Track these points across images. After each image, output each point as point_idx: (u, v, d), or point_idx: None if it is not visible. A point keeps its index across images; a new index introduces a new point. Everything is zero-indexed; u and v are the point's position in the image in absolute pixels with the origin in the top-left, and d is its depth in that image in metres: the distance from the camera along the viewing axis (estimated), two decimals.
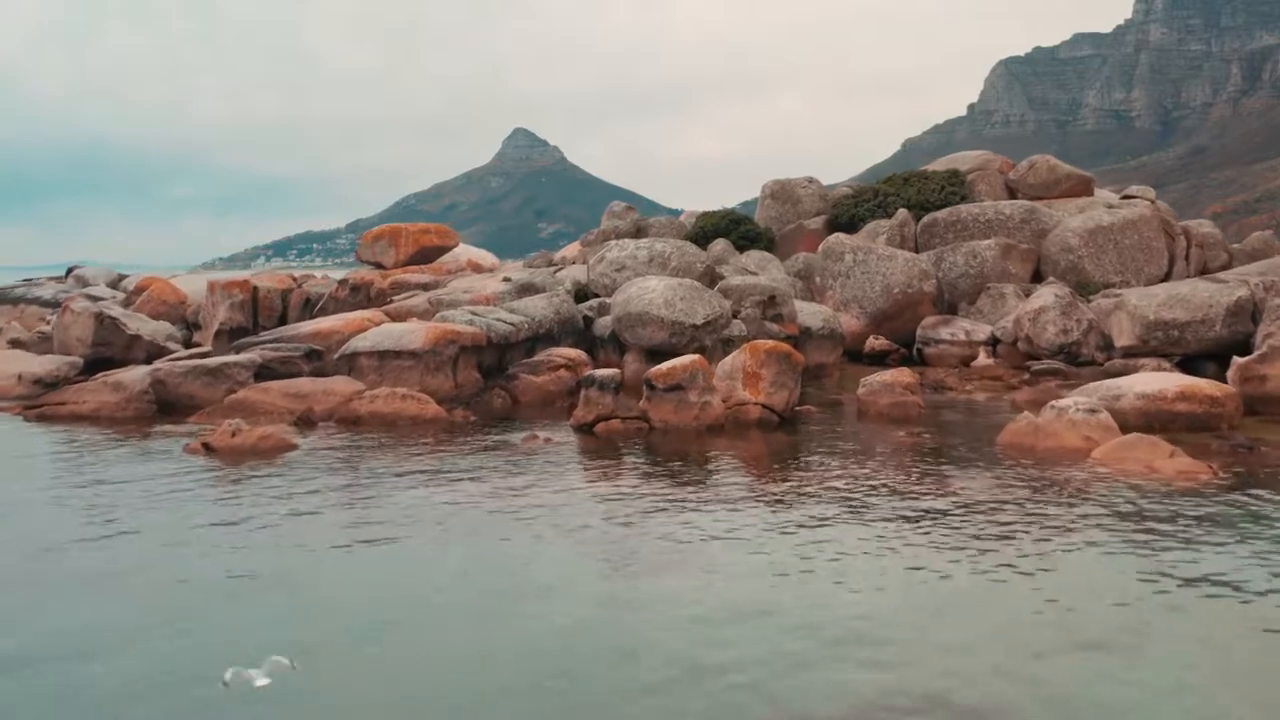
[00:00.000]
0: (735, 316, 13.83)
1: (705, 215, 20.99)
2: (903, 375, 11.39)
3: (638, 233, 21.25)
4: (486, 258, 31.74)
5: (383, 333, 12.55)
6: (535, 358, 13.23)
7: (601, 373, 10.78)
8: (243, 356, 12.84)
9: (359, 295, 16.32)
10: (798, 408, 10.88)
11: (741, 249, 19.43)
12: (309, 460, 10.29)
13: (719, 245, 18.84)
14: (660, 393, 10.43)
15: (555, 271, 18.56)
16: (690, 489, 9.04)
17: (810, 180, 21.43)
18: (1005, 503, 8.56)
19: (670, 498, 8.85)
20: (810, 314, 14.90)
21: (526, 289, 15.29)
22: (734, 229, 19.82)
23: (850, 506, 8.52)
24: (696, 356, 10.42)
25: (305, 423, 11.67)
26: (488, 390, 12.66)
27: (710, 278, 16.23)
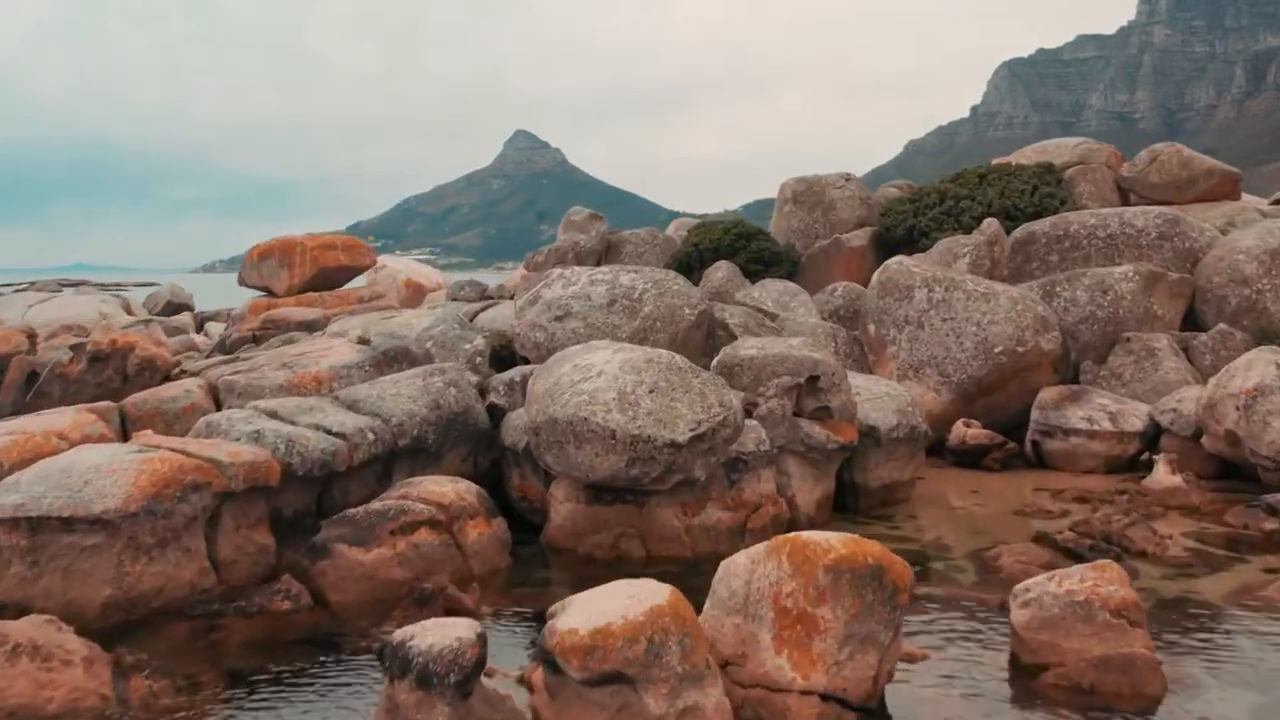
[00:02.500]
0: (750, 414, 7.81)
1: (701, 228, 14.79)
2: (1105, 577, 5.36)
3: (607, 251, 15.21)
4: (429, 276, 25.58)
5: (46, 474, 5.97)
6: (383, 498, 7.26)
7: (430, 640, 4.08)
8: None
9: (105, 370, 9.01)
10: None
11: (753, 275, 13.36)
12: None
13: (720, 273, 12.75)
14: (577, 688, 4.17)
15: (481, 311, 12.49)
16: None
17: (847, 178, 15.36)
18: None
19: None
20: (875, 400, 8.82)
21: (393, 358, 8.96)
22: (742, 247, 13.70)
23: None
24: (664, 595, 4.35)
25: None
26: (277, 575, 6.74)
27: (707, 330, 10.19)
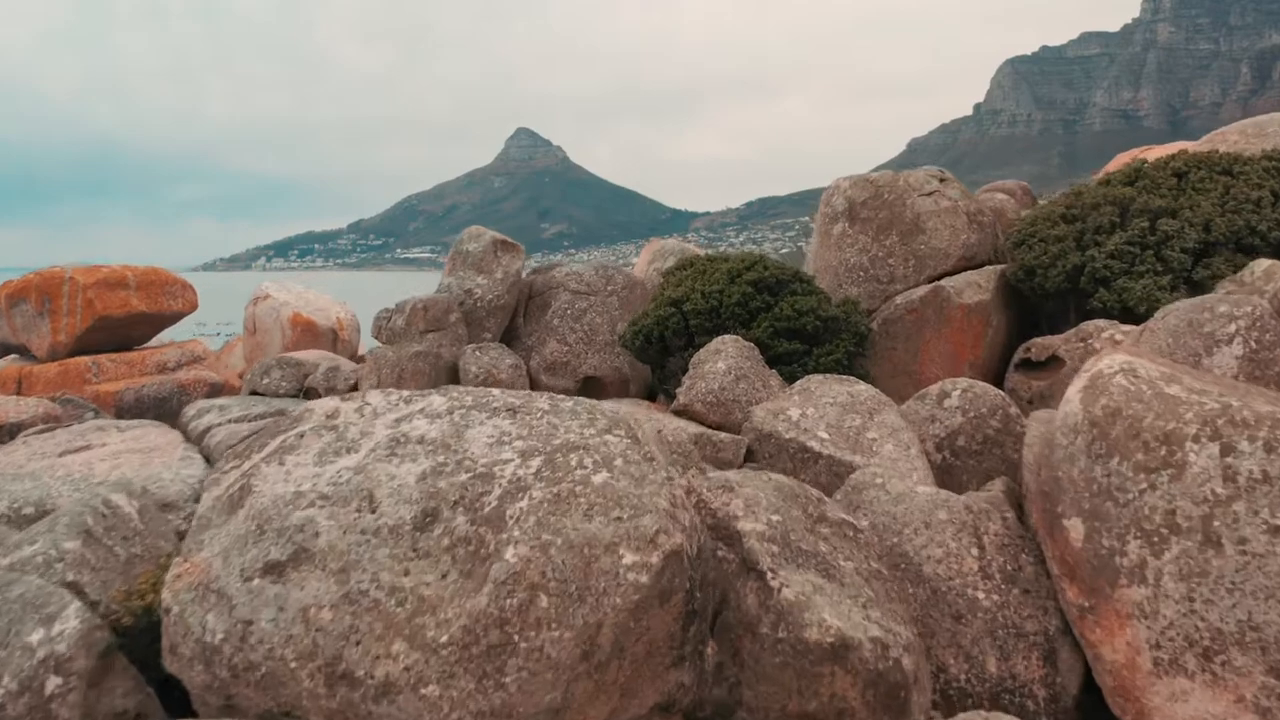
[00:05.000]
0: None
1: (689, 270, 8.11)
2: None
3: (528, 305, 8.78)
4: (327, 311, 18.88)
5: None
6: None
7: None
8: None
9: None
10: None
11: (785, 360, 6.92)
12: None
13: (723, 364, 6.31)
14: None
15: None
16: None
17: (941, 177, 8.87)
18: None
19: None
20: None
21: None
22: (764, 307, 7.26)
23: None
24: None
25: None
26: None
27: (685, 606, 3.73)
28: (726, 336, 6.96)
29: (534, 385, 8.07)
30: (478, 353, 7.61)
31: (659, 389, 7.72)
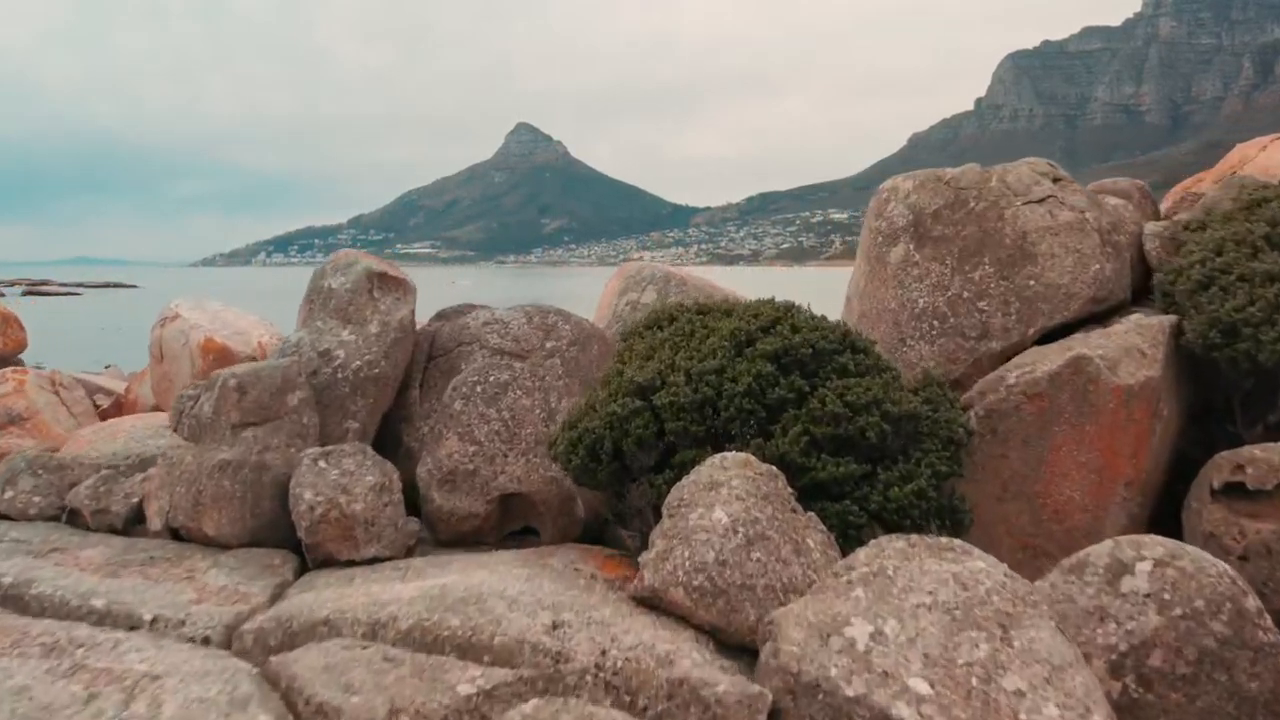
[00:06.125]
0: None
1: (672, 330, 5.00)
2: None
3: (431, 357, 5.75)
4: (248, 333, 15.74)
5: None
6: None
7: None
8: None
9: None
10: None
11: (837, 494, 3.89)
12: None
13: None
14: None
15: None
16: None
17: (1055, 177, 5.86)
18: None
19: None
20: None
21: None
22: (791, 405, 4.20)
23: None
24: None
25: None
26: None
27: None
28: (731, 456, 3.95)
29: (423, 509, 5.06)
30: (322, 464, 4.64)
31: (617, 523, 4.71)
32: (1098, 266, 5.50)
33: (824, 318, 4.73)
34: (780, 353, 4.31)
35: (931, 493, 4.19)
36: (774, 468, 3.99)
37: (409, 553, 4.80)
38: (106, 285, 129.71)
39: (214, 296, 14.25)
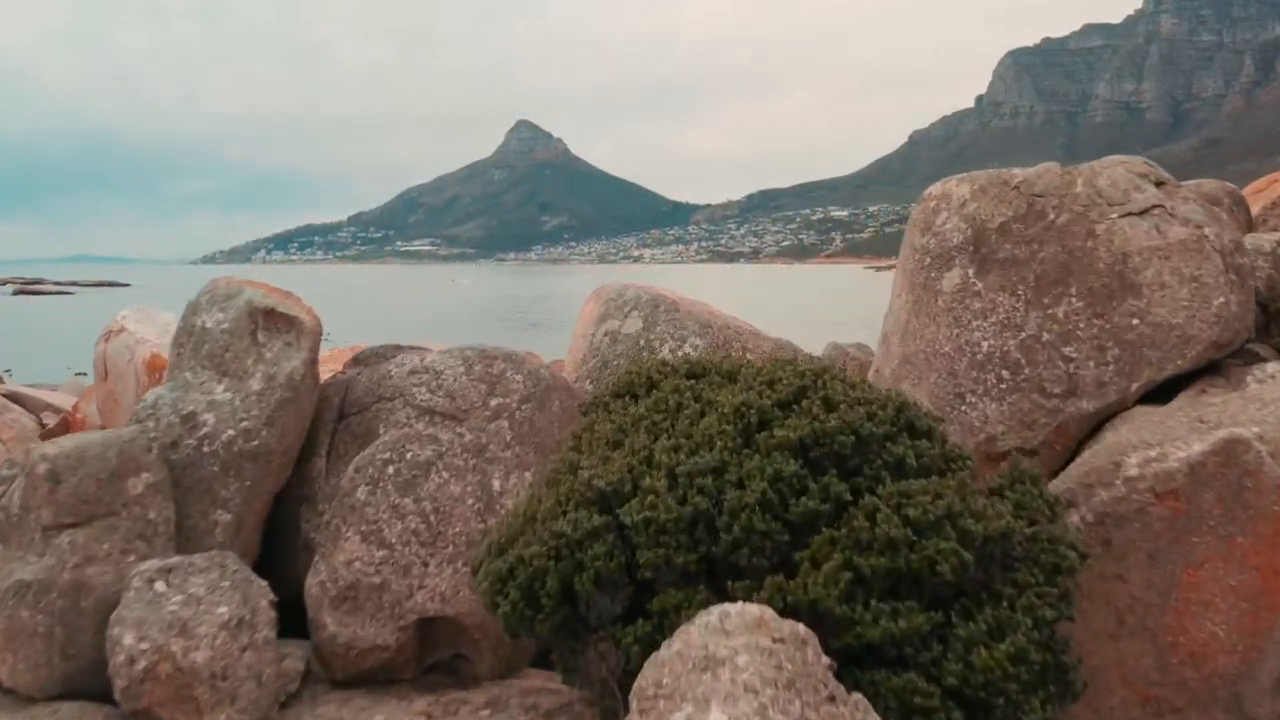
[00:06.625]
0: None
1: (652, 401, 3.55)
2: None
3: (341, 416, 4.39)
4: None
5: None
6: None
7: None
8: None
9: None
10: None
11: (896, 662, 2.46)
12: None
13: None
14: None
15: None
16: None
17: (1157, 177, 4.53)
18: None
19: None
20: None
21: None
22: (826, 523, 2.77)
23: None
24: None
25: None
26: None
27: None
28: (736, 612, 2.57)
29: (312, 637, 3.68)
30: (159, 586, 3.25)
31: (569, 681, 3.31)
32: (1221, 300, 4.12)
33: (866, 384, 3.34)
34: (809, 442, 2.92)
35: (1034, 653, 2.80)
36: (801, 626, 2.61)
37: (283, 706, 3.41)
38: (100, 284, 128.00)
39: (166, 307, 12.66)
